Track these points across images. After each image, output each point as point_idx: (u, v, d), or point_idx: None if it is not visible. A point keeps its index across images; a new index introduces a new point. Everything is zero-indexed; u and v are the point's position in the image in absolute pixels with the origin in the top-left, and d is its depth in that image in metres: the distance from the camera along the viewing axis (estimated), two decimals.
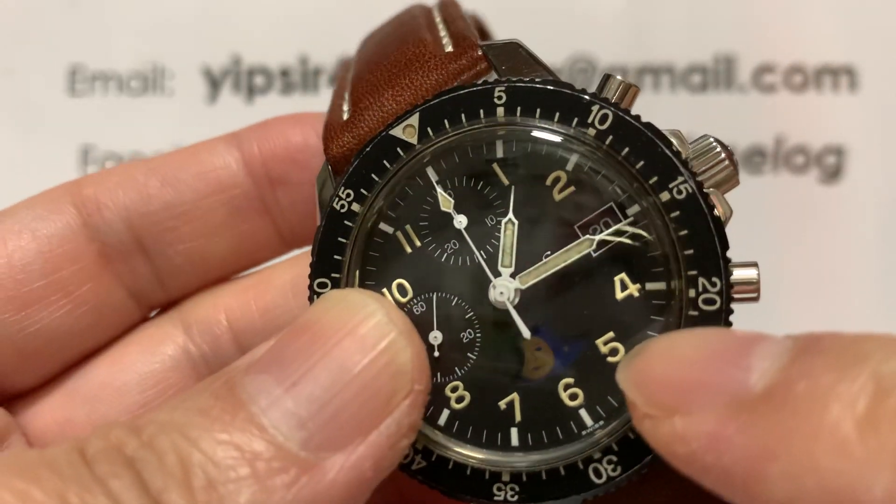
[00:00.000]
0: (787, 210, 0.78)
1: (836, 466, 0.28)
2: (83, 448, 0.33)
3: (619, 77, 0.41)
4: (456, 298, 0.42)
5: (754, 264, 0.40)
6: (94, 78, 0.81)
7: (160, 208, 0.50)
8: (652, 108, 0.77)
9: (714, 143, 0.41)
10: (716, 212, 0.39)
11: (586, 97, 0.41)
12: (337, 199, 0.43)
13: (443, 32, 0.48)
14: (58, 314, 0.48)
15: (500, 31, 0.80)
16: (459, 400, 0.42)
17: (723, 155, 0.41)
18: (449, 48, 0.46)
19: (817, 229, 0.78)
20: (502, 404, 0.42)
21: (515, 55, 0.45)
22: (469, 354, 0.42)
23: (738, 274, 0.39)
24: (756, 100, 0.78)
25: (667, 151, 0.40)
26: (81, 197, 0.50)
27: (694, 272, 0.39)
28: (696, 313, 0.39)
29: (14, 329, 0.48)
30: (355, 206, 0.42)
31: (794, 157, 0.78)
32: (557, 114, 0.41)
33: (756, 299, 0.40)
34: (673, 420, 0.33)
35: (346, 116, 0.46)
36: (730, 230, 0.40)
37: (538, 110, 0.41)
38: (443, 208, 0.43)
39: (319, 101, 0.80)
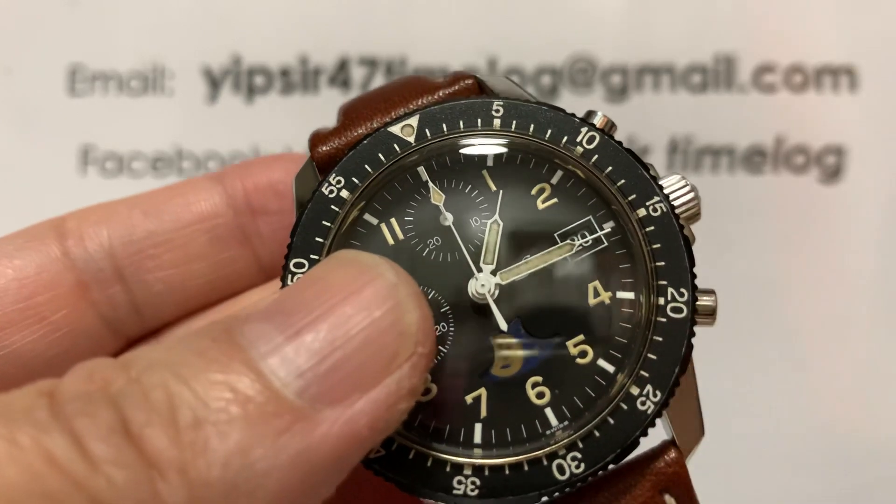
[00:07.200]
0: (787, 210, 0.78)
1: None
2: (54, 389, 0.31)
3: (601, 113, 0.45)
4: (434, 292, 0.43)
5: (713, 291, 0.42)
6: (94, 78, 0.81)
7: (143, 237, 0.51)
8: (652, 107, 0.78)
9: (684, 180, 0.44)
10: (685, 231, 0.42)
11: (577, 119, 0.44)
12: (326, 184, 0.44)
13: (440, 78, 0.50)
14: (31, 338, 0.49)
15: (500, 31, 0.80)
16: (426, 392, 0.42)
17: (692, 193, 0.44)
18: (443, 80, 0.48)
19: (817, 229, 0.78)
20: (469, 399, 0.42)
21: (506, 84, 0.48)
22: (441, 348, 0.43)
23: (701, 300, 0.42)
24: (756, 100, 0.78)
25: (645, 174, 0.43)
26: (64, 229, 0.51)
27: (664, 282, 0.42)
28: (664, 320, 0.42)
29: None
30: (344, 193, 0.44)
31: (794, 157, 0.78)
32: (549, 131, 0.44)
33: (712, 323, 0.42)
34: None
35: (334, 126, 0.47)
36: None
37: (532, 126, 0.44)
38: (433, 201, 0.44)
39: (319, 101, 0.80)
